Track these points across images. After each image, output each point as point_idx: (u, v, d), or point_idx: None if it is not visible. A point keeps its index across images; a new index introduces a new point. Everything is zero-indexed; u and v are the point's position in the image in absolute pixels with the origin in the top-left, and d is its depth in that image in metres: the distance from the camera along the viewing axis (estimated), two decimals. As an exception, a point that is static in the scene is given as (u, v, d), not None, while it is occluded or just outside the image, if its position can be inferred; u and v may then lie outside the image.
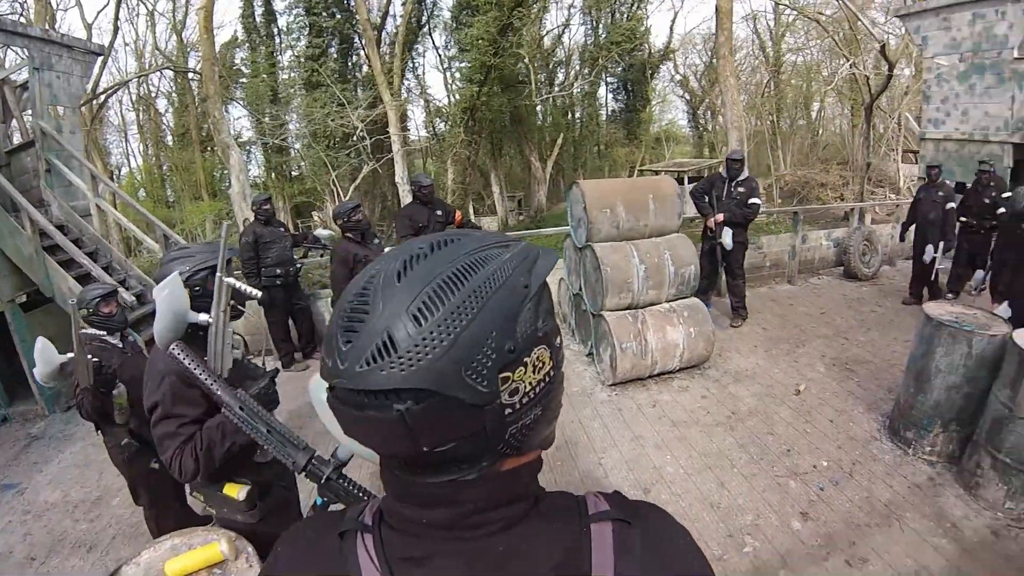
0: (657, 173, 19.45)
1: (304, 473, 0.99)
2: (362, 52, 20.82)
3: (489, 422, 0.48)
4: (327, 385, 0.51)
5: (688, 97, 31.53)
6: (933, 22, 9.08)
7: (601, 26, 23.99)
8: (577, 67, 25.02)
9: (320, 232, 5.45)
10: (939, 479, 3.30)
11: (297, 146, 21.26)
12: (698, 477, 3.42)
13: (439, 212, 5.03)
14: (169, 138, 25.32)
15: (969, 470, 3.22)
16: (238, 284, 1.59)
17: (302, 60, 19.96)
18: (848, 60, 19.06)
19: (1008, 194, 5.32)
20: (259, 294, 1.78)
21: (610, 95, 27.91)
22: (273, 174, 22.38)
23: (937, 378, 3.36)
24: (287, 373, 5.15)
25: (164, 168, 25.76)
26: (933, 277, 6.32)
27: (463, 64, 19.61)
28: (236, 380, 1.53)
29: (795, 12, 22.66)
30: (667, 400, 4.41)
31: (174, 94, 24.10)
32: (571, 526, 0.55)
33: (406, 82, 20.87)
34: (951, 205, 5.99)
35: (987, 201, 5.92)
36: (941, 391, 3.36)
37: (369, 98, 17.90)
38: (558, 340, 0.54)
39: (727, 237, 5.47)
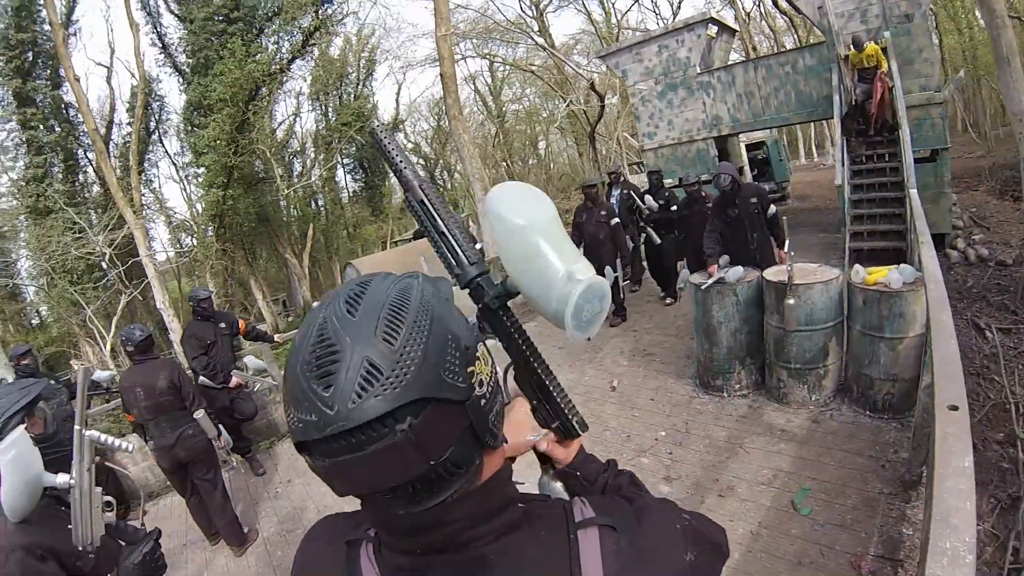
0: (409, 241, 20.58)
1: (469, 288, 0.76)
2: (91, 168, 18.17)
3: (473, 415, 0.52)
4: (308, 451, 0.50)
5: (423, 162, 33.47)
6: (628, 57, 11.24)
7: (330, 109, 24.52)
8: (312, 154, 25.14)
9: (99, 375, 4.61)
10: (756, 404, 4.08)
11: (32, 289, 17.36)
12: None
13: (223, 325, 4.71)
14: None
15: (774, 387, 4.07)
16: (103, 437, 1.42)
17: (23, 184, 16.57)
18: (565, 100, 22.66)
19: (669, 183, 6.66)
20: (131, 447, 1.57)
21: (348, 176, 28.47)
22: (10, 326, 17.85)
23: (721, 329, 4.19)
24: None
25: None
26: (622, 296, 6.71)
27: (201, 169, 18.22)
28: (111, 549, 1.36)
29: (509, 67, 26.45)
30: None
31: None
32: (559, 533, 0.58)
33: (143, 197, 18.57)
34: (615, 221, 6.17)
35: (662, 202, 6.50)
36: (728, 338, 4.17)
37: (109, 219, 15.47)
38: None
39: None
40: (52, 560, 1.31)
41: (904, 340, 3.39)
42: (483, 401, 0.53)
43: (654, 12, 30.94)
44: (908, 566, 2.26)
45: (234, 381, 4.61)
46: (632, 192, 7.09)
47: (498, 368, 0.64)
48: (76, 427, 1.31)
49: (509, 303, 0.72)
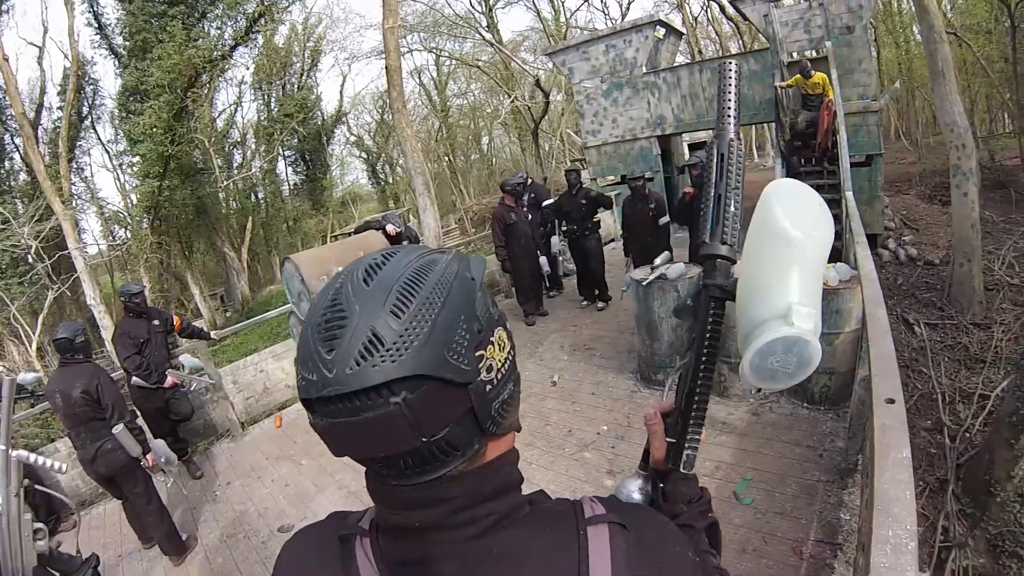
0: (349, 235, 20.29)
1: (703, 260, 0.68)
2: (18, 155, 17.00)
3: (476, 399, 0.51)
4: (311, 408, 0.50)
5: (365, 155, 33.25)
6: (575, 55, 11.35)
7: (273, 100, 23.95)
8: (253, 145, 24.48)
9: (24, 377, 4.25)
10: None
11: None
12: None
13: (156, 322, 4.46)
14: None
15: (715, 381, 4.12)
16: (33, 457, 1.28)
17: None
18: (510, 96, 22.69)
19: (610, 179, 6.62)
20: (64, 467, 1.43)
21: (289, 168, 27.96)
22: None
23: (662, 325, 4.25)
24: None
25: None
26: (547, 285, 6.96)
27: (136, 158, 17.30)
28: None
29: (455, 62, 26.29)
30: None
31: None
32: (568, 529, 0.57)
33: (73, 186, 17.40)
34: (546, 203, 6.53)
35: (584, 203, 6.29)
36: (669, 333, 4.24)
37: (36, 210, 14.42)
38: (508, 325, 0.59)
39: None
40: None
41: (840, 335, 3.54)
42: (489, 387, 0.53)
43: (603, 12, 31.46)
44: (847, 549, 2.36)
45: (169, 381, 4.36)
46: (538, 196, 7.00)
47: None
48: (1, 447, 1.17)
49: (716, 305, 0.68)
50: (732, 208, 0.65)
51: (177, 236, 19.87)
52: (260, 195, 25.99)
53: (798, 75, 7.61)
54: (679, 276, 4.17)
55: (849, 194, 6.02)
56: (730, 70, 0.69)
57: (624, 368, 4.90)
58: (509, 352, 0.57)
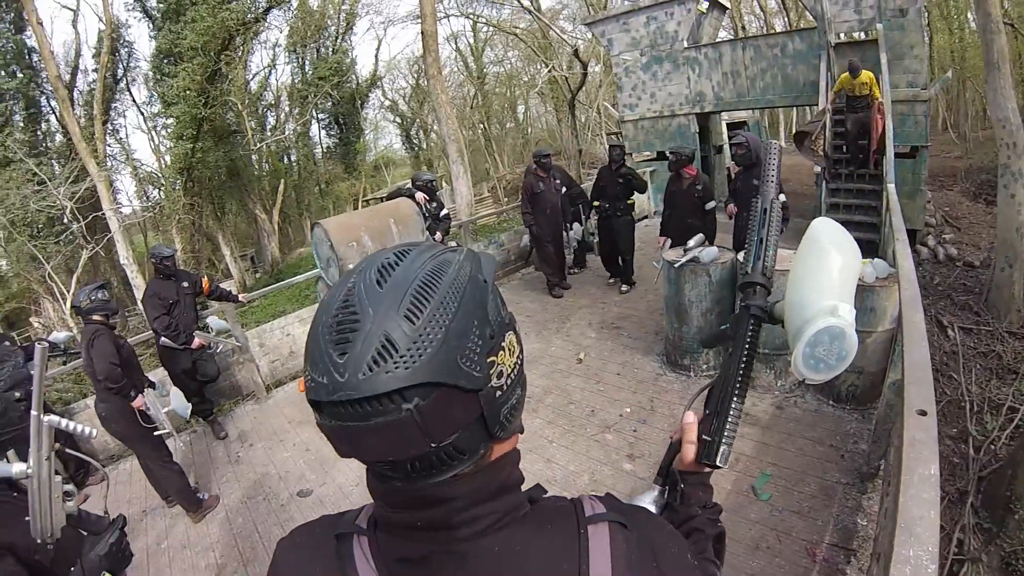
0: (380, 200, 20.17)
1: (745, 286, 0.81)
2: (54, 117, 17.25)
3: (485, 405, 0.51)
4: (318, 410, 0.50)
5: (399, 120, 32.89)
6: (615, 26, 11.00)
7: (307, 63, 23.77)
8: (287, 108, 24.43)
9: (56, 336, 4.55)
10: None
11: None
12: (524, 463, 3.63)
13: (185, 284, 4.56)
14: None
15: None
16: (64, 422, 1.28)
17: (-18, 133, 15.62)
18: (547, 65, 22.23)
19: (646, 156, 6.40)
20: (94, 433, 1.43)
21: (323, 132, 27.68)
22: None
23: (692, 309, 4.19)
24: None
25: None
26: (571, 256, 6.99)
27: (170, 120, 17.49)
28: (73, 541, 1.27)
29: (493, 29, 25.80)
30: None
31: None
32: (569, 527, 0.57)
33: (108, 148, 17.76)
34: (565, 189, 6.42)
35: (620, 181, 6.18)
36: (699, 318, 4.18)
37: (71, 171, 14.78)
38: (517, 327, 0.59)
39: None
40: (8, 555, 1.23)
41: (873, 334, 3.44)
42: (499, 393, 0.53)
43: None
44: (861, 556, 2.33)
45: (196, 342, 4.47)
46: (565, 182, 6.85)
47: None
48: (34, 412, 1.17)
49: (756, 325, 0.78)
50: (771, 251, 0.78)
51: (209, 197, 20.11)
52: (292, 158, 26.06)
53: (844, 74, 7.18)
54: (712, 260, 4.06)
55: (891, 186, 5.78)
56: (775, 148, 0.84)
57: (651, 350, 4.87)
58: (518, 356, 0.57)
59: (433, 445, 0.49)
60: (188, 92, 15.44)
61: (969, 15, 19.01)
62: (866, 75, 7.01)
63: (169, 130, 17.96)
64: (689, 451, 0.80)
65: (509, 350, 0.54)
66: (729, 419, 0.76)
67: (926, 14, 9.75)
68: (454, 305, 0.49)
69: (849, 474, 2.89)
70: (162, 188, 19.00)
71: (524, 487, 0.62)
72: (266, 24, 18.64)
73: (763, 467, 3.09)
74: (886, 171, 6.48)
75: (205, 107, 15.89)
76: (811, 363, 0.69)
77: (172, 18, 16.54)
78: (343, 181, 28.59)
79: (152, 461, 3.60)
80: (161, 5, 17.12)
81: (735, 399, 0.76)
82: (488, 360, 0.51)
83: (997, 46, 6.57)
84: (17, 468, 1.22)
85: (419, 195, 5.65)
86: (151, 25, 18.22)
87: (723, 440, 0.76)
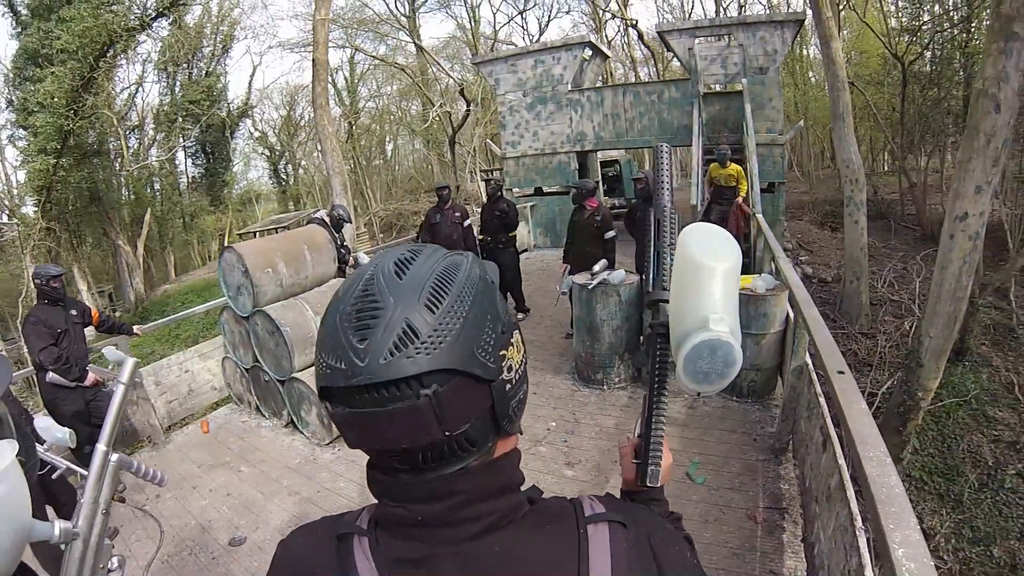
0: (252, 236, 19.08)
1: (650, 304, 0.79)
2: None
3: (496, 397, 0.53)
4: (330, 398, 0.52)
5: (268, 153, 32.02)
6: (503, 67, 11.61)
7: (178, 84, 22.47)
8: (151, 132, 22.81)
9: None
10: (635, 395, 4.46)
11: None
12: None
13: (73, 312, 4.08)
14: None
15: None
16: (137, 464, 1.10)
17: None
18: (424, 102, 22.66)
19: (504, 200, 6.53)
20: (167, 478, 1.21)
21: (189, 160, 26.09)
22: None
23: (604, 327, 4.53)
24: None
25: None
26: None
27: (25, 131, 15.44)
28: None
29: (370, 62, 25.93)
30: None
31: None
32: (568, 527, 0.57)
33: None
34: (468, 221, 6.39)
35: (498, 213, 6.29)
36: (610, 335, 4.52)
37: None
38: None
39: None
40: None
41: (767, 335, 3.99)
42: (508, 386, 0.55)
43: (522, 27, 32.36)
44: (791, 511, 2.72)
45: (91, 378, 3.91)
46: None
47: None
48: (101, 447, 0.95)
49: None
50: (668, 260, 0.77)
51: (67, 224, 17.73)
52: (156, 186, 24.07)
53: (714, 163, 7.35)
54: (620, 281, 4.45)
55: (760, 216, 6.72)
56: (664, 152, 0.84)
57: (560, 369, 5.13)
58: (524, 355, 0.60)
59: (447, 433, 0.50)
60: (55, 100, 13.76)
61: (810, 74, 22.77)
62: (734, 168, 7.21)
63: (27, 142, 15.73)
64: (627, 471, 0.85)
65: (517, 347, 0.57)
66: (652, 441, 0.78)
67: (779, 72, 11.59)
68: (469, 299, 0.52)
69: (764, 452, 3.34)
70: (9, 210, 16.45)
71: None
72: (150, 32, 17.10)
73: (691, 456, 3.44)
74: (753, 202, 7.48)
75: (74, 117, 14.16)
76: (699, 377, 0.69)
77: (43, 15, 14.77)
78: (209, 214, 26.93)
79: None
80: (30, 0, 15.24)
81: (654, 422, 0.78)
82: (500, 353, 0.53)
83: (843, 101, 8.00)
84: (61, 527, 0.94)
85: (320, 213, 5.61)
86: (14, 22, 16.11)
87: (650, 461, 0.78)
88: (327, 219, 5.72)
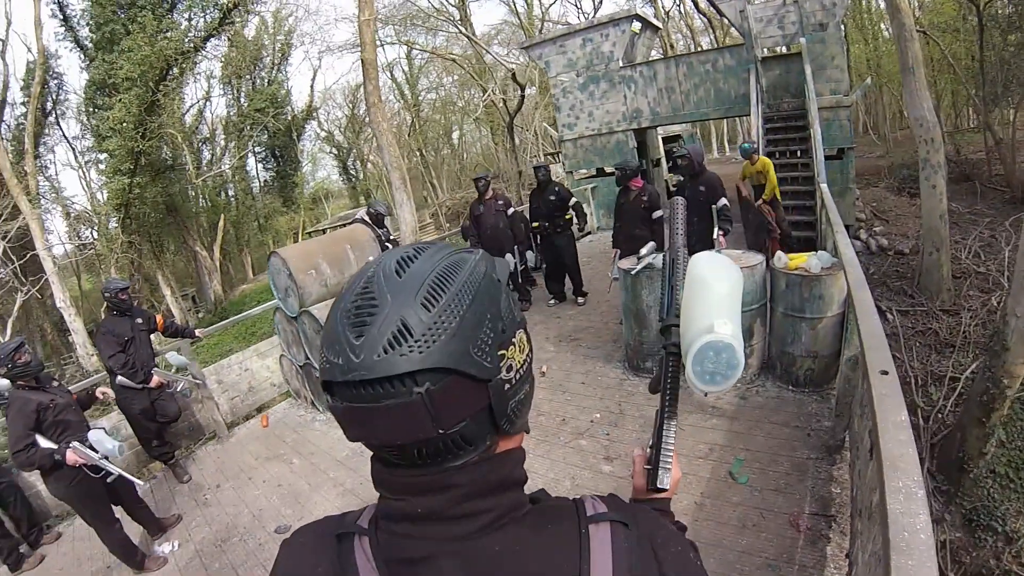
0: (323, 232, 19.94)
1: (663, 328, 0.87)
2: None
3: (494, 397, 0.53)
4: (331, 392, 0.52)
5: (336, 151, 32.94)
6: (552, 49, 11.35)
7: (243, 95, 23.54)
8: (222, 142, 24.09)
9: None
10: (685, 384, 4.19)
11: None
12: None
13: (139, 320, 4.38)
14: None
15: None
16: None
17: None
18: (484, 90, 22.64)
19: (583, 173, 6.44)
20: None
21: (260, 165, 27.43)
22: None
23: (651, 314, 4.33)
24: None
25: None
26: (521, 281, 6.83)
27: (103, 155, 16.82)
28: None
29: (427, 55, 26.15)
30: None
31: None
32: (569, 527, 0.57)
33: (39, 185, 16.84)
34: (512, 210, 6.31)
35: (552, 199, 6.18)
36: (658, 322, 4.27)
37: (0, 209, 13.86)
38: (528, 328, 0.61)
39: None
40: None
41: (823, 320, 3.66)
42: (507, 386, 0.54)
43: (576, 6, 31.44)
44: (840, 520, 2.47)
45: (155, 380, 4.27)
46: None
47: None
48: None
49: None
50: (680, 293, 0.85)
51: (148, 235, 19.32)
52: (231, 192, 25.45)
53: (746, 162, 6.88)
54: None
55: (824, 186, 6.21)
56: (679, 205, 0.92)
57: (611, 357, 4.97)
58: (528, 354, 0.59)
59: (440, 431, 0.50)
60: (124, 124, 14.87)
61: (882, 26, 20.81)
62: (762, 162, 6.68)
63: (104, 165, 17.17)
64: (638, 477, 0.86)
65: (519, 346, 0.56)
66: (662, 446, 0.81)
67: (843, 27, 10.59)
68: (468, 298, 0.51)
69: (817, 450, 3.05)
70: (96, 227, 18.07)
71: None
72: (205, 53, 18.21)
73: (736, 453, 3.22)
74: (817, 171, 6.94)
75: (143, 140, 15.31)
76: (706, 378, 0.77)
77: (106, 48, 15.96)
78: (282, 215, 28.31)
79: (93, 527, 3.37)
80: (94, 35, 16.48)
81: (664, 431, 0.81)
82: (499, 353, 0.53)
83: (911, 52, 7.21)
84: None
85: (361, 213, 5.68)
86: (83, 56, 17.48)
87: (660, 466, 0.81)
88: (366, 217, 5.82)
